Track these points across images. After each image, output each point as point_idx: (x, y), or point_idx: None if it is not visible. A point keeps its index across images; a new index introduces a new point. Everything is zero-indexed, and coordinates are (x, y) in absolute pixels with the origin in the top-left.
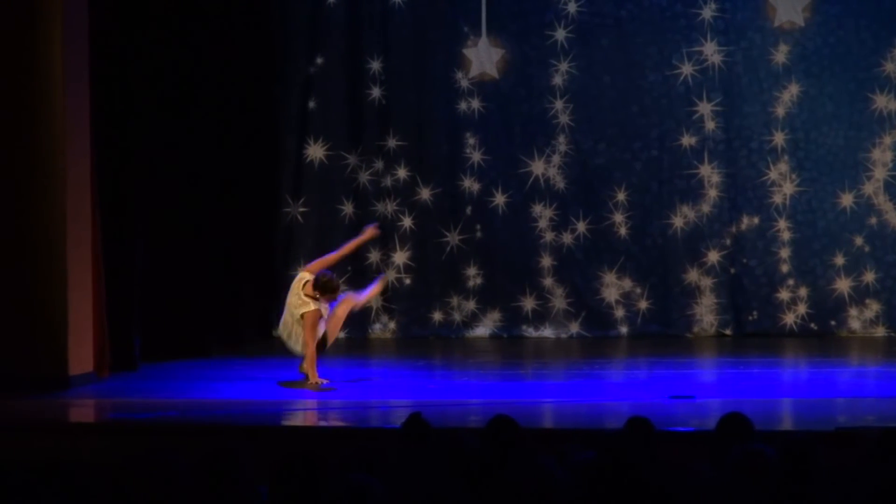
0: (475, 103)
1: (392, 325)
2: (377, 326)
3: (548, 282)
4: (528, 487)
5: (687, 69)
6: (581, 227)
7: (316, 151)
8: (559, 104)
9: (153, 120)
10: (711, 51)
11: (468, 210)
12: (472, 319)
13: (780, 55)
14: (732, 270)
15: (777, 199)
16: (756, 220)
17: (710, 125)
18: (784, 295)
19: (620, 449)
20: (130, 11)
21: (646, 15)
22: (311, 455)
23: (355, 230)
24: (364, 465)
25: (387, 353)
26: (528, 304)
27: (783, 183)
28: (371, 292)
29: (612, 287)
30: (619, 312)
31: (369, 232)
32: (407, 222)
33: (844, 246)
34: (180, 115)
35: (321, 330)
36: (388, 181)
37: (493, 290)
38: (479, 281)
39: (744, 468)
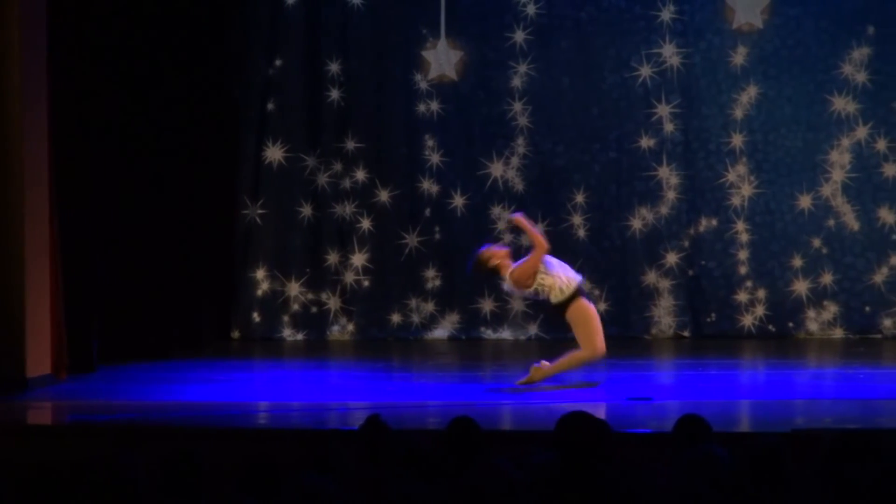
0: (434, 105)
1: (350, 326)
2: (335, 328)
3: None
4: (486, 489)
5: (646, 71)
6: (540, 228)
7: (275, 153)
8: (518, 106)
9: (112, 121)
10: (670, 53)
11: (427, 212)
12: (430, 321)
13: (739, 57)
14: (691, 272)
15: (735, 200)
16: (714, 222)
17: (668, 127)
18: (742, 297)
19: (577, 450)
20: (89, 14)
21: (605, 17)
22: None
23: (313, 232)
24: (321, 467)
25: (345, 354)
26: (487, 305)
27: (741, 185)
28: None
29: None
30: None
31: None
32: (365, 224)
33: (802, 248)
34: (139, 117)
35: None
36: (346, 183)
37: (452, 291)
38: (437, 283)
39: (696, 470)
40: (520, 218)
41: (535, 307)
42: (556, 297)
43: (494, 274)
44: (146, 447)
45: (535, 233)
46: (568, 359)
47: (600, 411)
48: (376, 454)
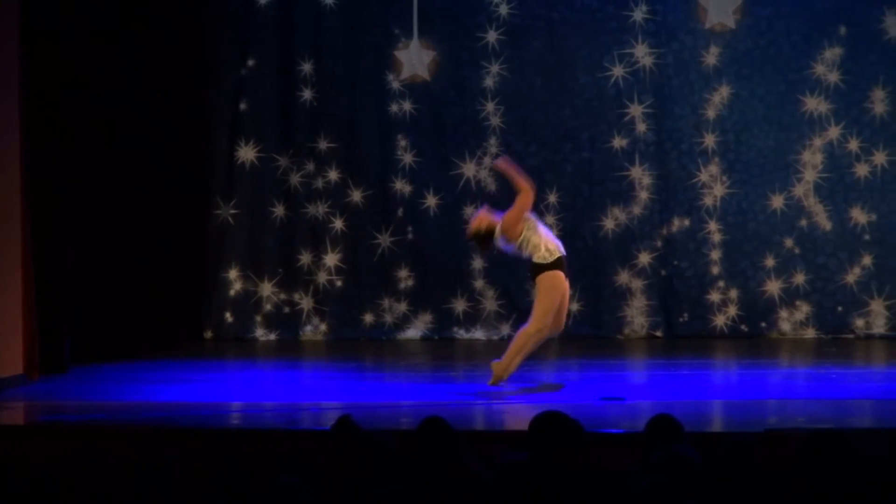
0: (406, 105)
1: (323, 326)
2: (308, 328)
3: (479, 283)
4: (457, 489)
5: (618, 71)
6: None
7: (247, 153)
8: (490, 106)
9: (84, 121)
10: (642, 53)
11: (399, 212)
12: (403, 321)
13: (711, 57)
14: (663, 272)
15: (707, 200)
16: (687, 222)
17: (640, 127)
18: (714, 297)
19: (550, 450)
20: (61, 13)
21: (577, 17)
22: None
23: (286, 232)
24: (294, 467)
25: (318, 354)
26: (460, 305)
27: (714, 185)
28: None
29: None
30: None
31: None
32: (338, 224)
33: (775, 248)
34: (111, 117)
35: None
36: (319, 183)
37: (425, 291)
38: (410, 283)
39: (668, 470)
40: (502, 163)
41: (509, 307)
42: (539, 258)
43: (491, 237)
44: (118, 448)
45: (520, 177)
46: (517, 341)
47: (573, 411)
48: (347, 455)
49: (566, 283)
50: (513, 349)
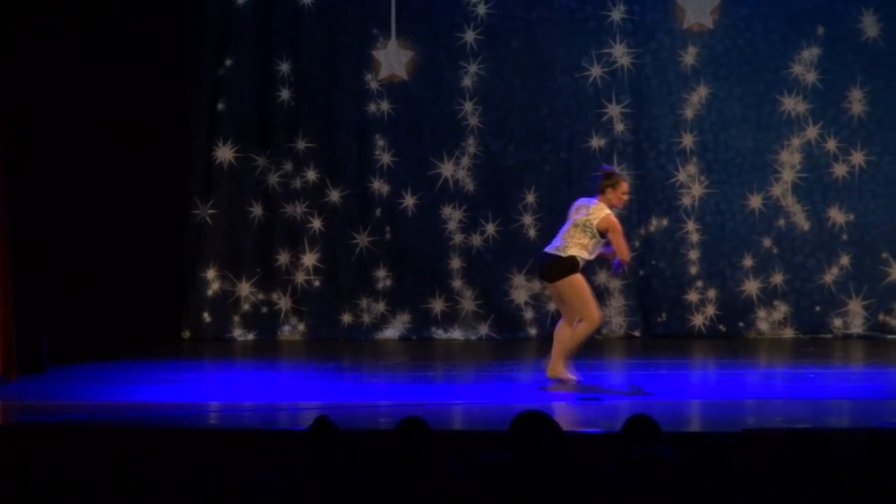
0: (384, 105)
1: (301, 326)
2: (286, 328)
3: (457, 283)
4: (435, 489)
5: (596, 71)
6: (490, 228)
7: (225, 153)
8: (468, 106)
9: (60, 119)
10: (620, 53)
11: (377, 212)
12: (381, 321)
13: (689, 57)
14: (641, 272)
15: (686, 200)
16: (665, 222)
17: (619, 127)
18: (693, 296)
19: (527, 449)
20: (34, 8)
21: (555, 17)
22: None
23: (264, 232)
24: (271, 467)
25: (296, 355)
26: (438, 305)
27: (692, 185)
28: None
29: (522, 289)
30: (529, 314)
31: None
32: (316, 224)
33: (753, 248)
34: (89, 116)
35: None
36: (297, 183)
37: (403, 291)
38: (388, 283)
39: (645, 470)
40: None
41: (487, 307)
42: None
43: (608, 189)
44: (96, 447)
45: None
46: (572, 338)
47: (550, 410)
48: (325, 455)
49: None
50: (574, 353)
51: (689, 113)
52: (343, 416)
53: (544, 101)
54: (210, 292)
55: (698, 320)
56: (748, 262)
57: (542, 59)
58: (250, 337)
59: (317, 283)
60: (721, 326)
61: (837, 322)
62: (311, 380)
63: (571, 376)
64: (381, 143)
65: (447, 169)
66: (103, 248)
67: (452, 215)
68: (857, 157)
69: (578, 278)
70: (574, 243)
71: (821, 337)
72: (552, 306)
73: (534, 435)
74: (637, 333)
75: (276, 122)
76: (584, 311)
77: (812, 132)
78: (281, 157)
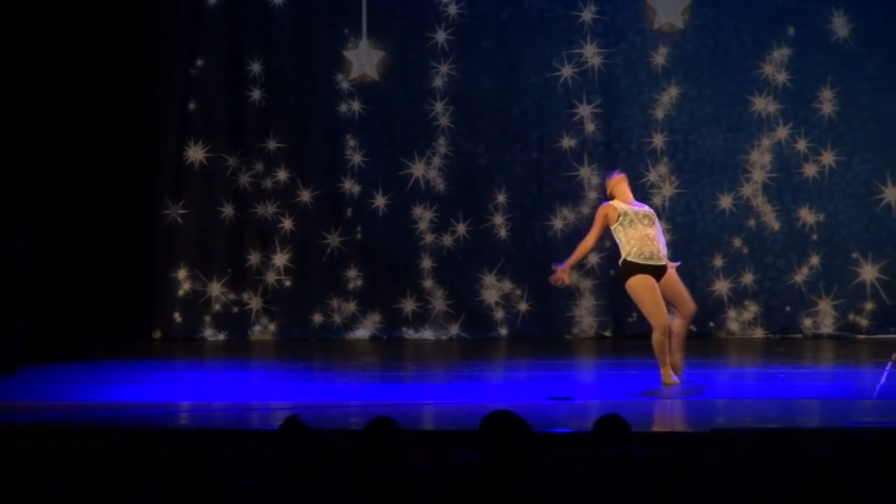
0: (355, 105)
1: (272, 326)
2: (257, 328)
3: (428, 283)
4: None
5: (567, 71)
6: (461, 228)
7: (196, 153)
8: (439, 106)
9: (32, 120)
10: (591, 53)
11: (348, 212)
12: (352, 321)
13: (660, 57)
14: (612, 272)
15: (656, 200)
16: None
17: (589, 127)
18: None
19: (497, 449)
20: (5, 9)
21: (526, 17)
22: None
23: (235, 232)
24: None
25: (266, 355)
26: (409, 305)
27: (662, 185)
28: None
29: (492, 289)
30: (499, 314)
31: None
32: (287, 224)
33: (723, 248)
34: (59, 116)
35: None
36: (268, 183)
37: (374, 291)
38: (359, 283)
39: (615, 470)
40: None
41: (458, 307)
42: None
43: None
44: (67, 447)
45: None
46: (655, 350)
47: (521, 411)
48: (295, 455)
49: (649, 279)
50: (659, 359)
51: (659, 113)
52: (314, 416)
53: (515, 102)
54: (181, 292)
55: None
56: (718, 262)
57: (512, 59)
58: (221, 337)
59: (288, 284)
60: (691, 326)
61: (807, 322)
62: (282, 380)
63: (670, 380)
64: (352, 143)
65: (418, 169)
66: (74, 249)
67: (423, 215)
68: (828, 158)
69: (631, 283)
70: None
71: (791, 337)
72: (522, 306)
73: (503, 435)
74: (608, 333)
75: (247, 122)
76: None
77: (782, 132)
78: (252, 158)
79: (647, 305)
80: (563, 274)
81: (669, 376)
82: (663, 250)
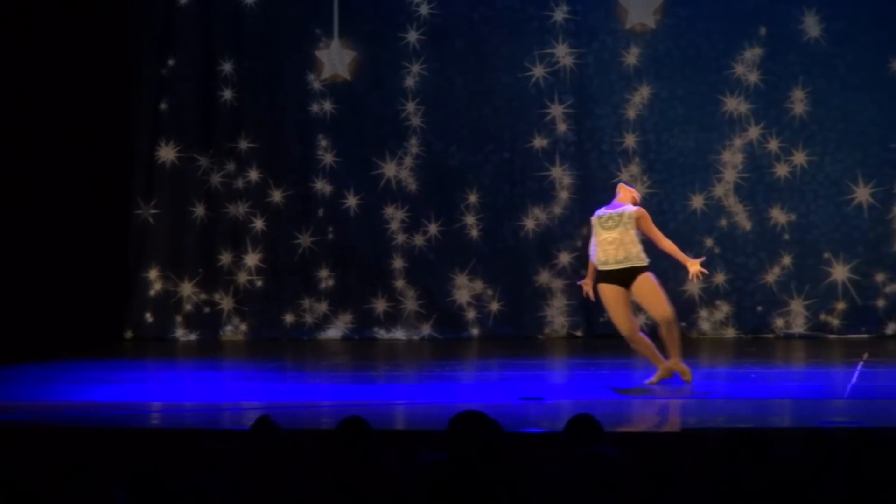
0: (327, 105)
1: (243, 327)
2: (228, 328)
3: (400, 283)
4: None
5: (539, 71)
6: (433, 228)
7: (167, 153)
8: (411, 106)
9: (2, 119)
10: (563, 53)
11: (320, 212)
12: (323, 321)
13: (632, 57)
14: (583, 272)
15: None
16: None
17: (561, 127)
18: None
19: (468, 450)
20: None
21: (498, 17)
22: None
23: (207, 232)
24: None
25: (238, 355)
26: (380, 305)
27: (634, 185)
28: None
29: (464, 289)
30: (471, 314)
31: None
32: (259, 224)
33: (695, 248)
34: (30, 116)
35: None
36: (239, 183)
37: (345, 291)
38: (330, 283)
39: (587, 470)
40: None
41: (429, 307)
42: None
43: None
44: (38, 448)
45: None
46: (669, 339)
47: (492, 411)
48: (266, 455)
49: (605, 287)
50: (671, 347)
51: (631, 113)
52: (285, 416)
53: (487, 102)
54: (152, 292)
55: (640, 320)
56: None
57: (484, 59)
58: (192, 337)
59: (259, 284)
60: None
61: (779, 322)
62: (254, 380)
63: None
64: (323, 143)
65: (390, 169)
66: (45, 249)
67: (395, 215)
68: (799, 158)
69: (598, 290)
70: None
71: (762, 337)
72: (494, 306)
73: (472, 434)
74: (579, 333)
75: (219, 122)
76: None
77: (754, 132)
78: (223, 157)
79: (608, 314)
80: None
81: (664, 368)
82: (629, 251)
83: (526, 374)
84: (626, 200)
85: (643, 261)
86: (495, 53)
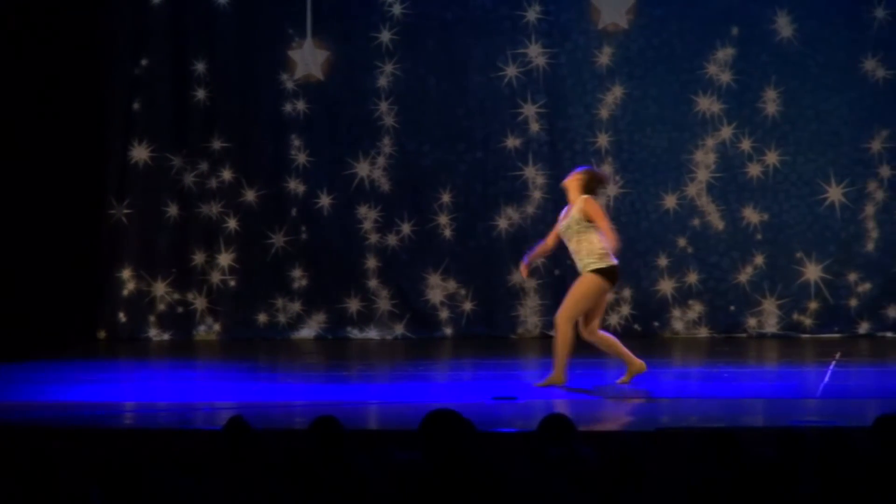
0: (300, 105)
1: (217, 326)
2: (202, 328)
3: (373, 283)
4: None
5: (511, 71)
6: (406, 228)
7: (140, 153)
8: (384, 106)
9: None
10: (536, 53)
11: (293, 212)
12: (297, 321)
13: (604, 57)
14: (557, 272)
15: (600, 200)
16: None
17: (534, 127)
18: (607, 296)
19: (441, 449)
20: None
21: (471, 17)
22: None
23: (180, 232)
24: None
25: (211, 354)
26: (354, 305)
27: (607, 184)
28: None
29: (437, 289)
30: (444, 314)
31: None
32: (232, 224)
33: (668, 247)
34: (1, 115)
35: None
36: (213, 183)
37: (319, 291)
38: (304, 282)
39: (560, 469)
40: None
41: (402, 307)
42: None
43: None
44: (10, 447)
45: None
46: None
47: (465, 410)
48: (238, 454)
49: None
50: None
51: (604, 113)
52: (258, 416)
53: (460, 101)
54: (125, 292)
55: (613, 319)
56: (663, 261)
57: (457, 59)
58: (166, 337)
59: (232, 283)
60: (636, 326)
61: (752, 321)
62: (227, 379)
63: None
64: (296, 142)
65: (363, 169)
66: (18, 248)
67: (368, 215)
68: (772, 157)
69: None
70: None
71: (735, 336)
72: (467, 305)
73: (444, 434)
74: (552, 333)
75: (192, 121)
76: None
77: (727, 132)
78: (196, 157)
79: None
80: None
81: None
82: (582, 262)
83: (499, 374)
84: (574, 198)
85: (587, 267)
86: (468, 53)
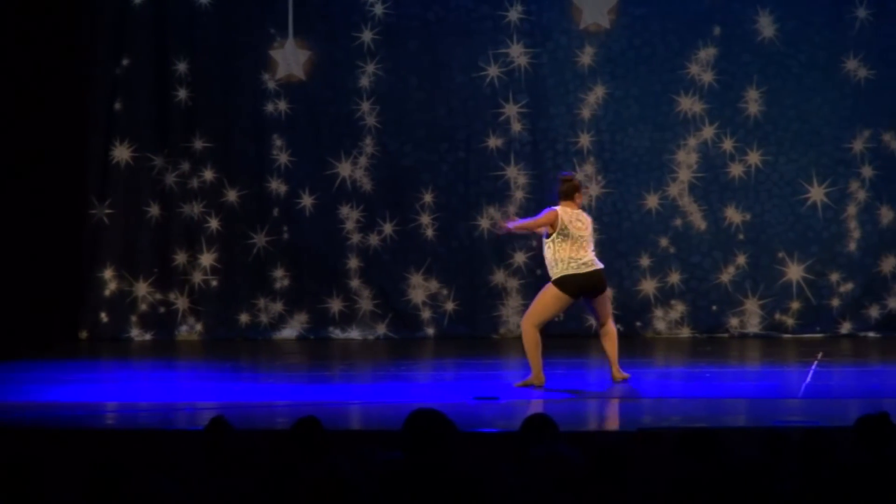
0: (282, 105)
1: (198, 326)
2: (183, 328)
3: (355, 283)
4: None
5: (493, 71)
6: (388, 228)
7: (122, 153)
8: (366, 106)
9: None
10: (518, 53)
11: (275, 212)
12: (278, 321)
13: (586, 57)
14: (538, 272)
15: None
16: None
17: (516, 127)
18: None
19: (423, 449)
20: None
21: (452, 17)
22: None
23: (161, 232)
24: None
25: (193, 355)
26: (335, 305)
27: (589, 184)
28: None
29: (419, 289)
30: (426, 314)
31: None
32: (213, 224)
33: (650, 247)
34: None
35: None
36: (194, 183)
37: (300, 291)
38: (286, 283)
39: (543, 469)
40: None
41: (385, 307)
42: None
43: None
44: None
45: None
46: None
47: (447, 410)
48: (220, 455)
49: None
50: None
51: (586, 113)
52: (239, 416)
53: (442, 101)
54: (107, 292)
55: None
56: (645, 261)
57: (439, 58)
58: (148, 337)
59: (214, 283)
60: (618, 326)
61: (734, 321)
62: (209, 380)
63: (626, 374)
64: (278, 142)
65: (345, 168)
66: None
67: (350, 215)
68: (754, 157)
69: None
70: None
71: (717, 336)
72: (449, 305)
73: (426, 433)
74: None
75: (174, 121)
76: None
77: (708, 132)
78: (178, 157)
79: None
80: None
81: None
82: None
83: (481, 374)
84: (578, 205)
85: (551, 277)
86: (450, 53)
